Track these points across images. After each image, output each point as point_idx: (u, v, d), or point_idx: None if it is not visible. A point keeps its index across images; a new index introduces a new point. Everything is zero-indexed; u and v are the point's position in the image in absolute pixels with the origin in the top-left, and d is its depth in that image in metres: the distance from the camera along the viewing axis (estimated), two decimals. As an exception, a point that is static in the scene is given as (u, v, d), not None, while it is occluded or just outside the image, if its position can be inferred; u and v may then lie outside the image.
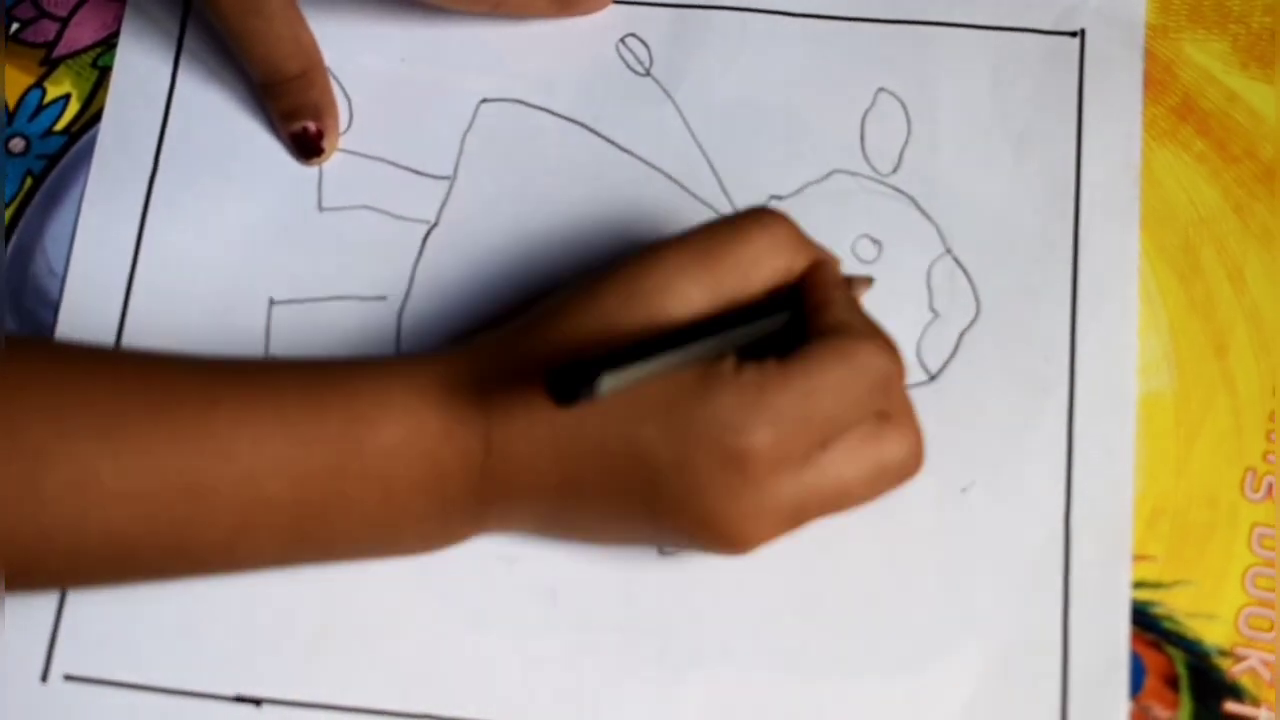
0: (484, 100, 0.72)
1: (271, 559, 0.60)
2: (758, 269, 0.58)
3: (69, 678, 0.64)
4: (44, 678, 0.64)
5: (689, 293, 0.57)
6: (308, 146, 0.70)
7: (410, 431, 0.57)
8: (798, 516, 0.57)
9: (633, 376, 0.53)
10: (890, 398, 0.58)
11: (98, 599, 0.64)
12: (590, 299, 0.58)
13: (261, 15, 0.68)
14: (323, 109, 0.70)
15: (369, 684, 0.64)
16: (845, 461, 0.57)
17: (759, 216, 0.59)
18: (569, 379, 0.51)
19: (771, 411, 0.55)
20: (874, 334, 0.57)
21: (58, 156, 0.72)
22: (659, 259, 0.58)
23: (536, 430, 0.57)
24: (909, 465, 0.58)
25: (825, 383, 0.55)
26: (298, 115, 0.70)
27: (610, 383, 0.52)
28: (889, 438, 0.58)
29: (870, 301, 0.64)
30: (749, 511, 0.56)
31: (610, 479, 0.57)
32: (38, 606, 0.64)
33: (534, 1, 0.71)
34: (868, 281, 0.65)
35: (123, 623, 0.64)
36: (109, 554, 0.56)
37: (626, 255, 0.59)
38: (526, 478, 0.58)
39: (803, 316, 0.58)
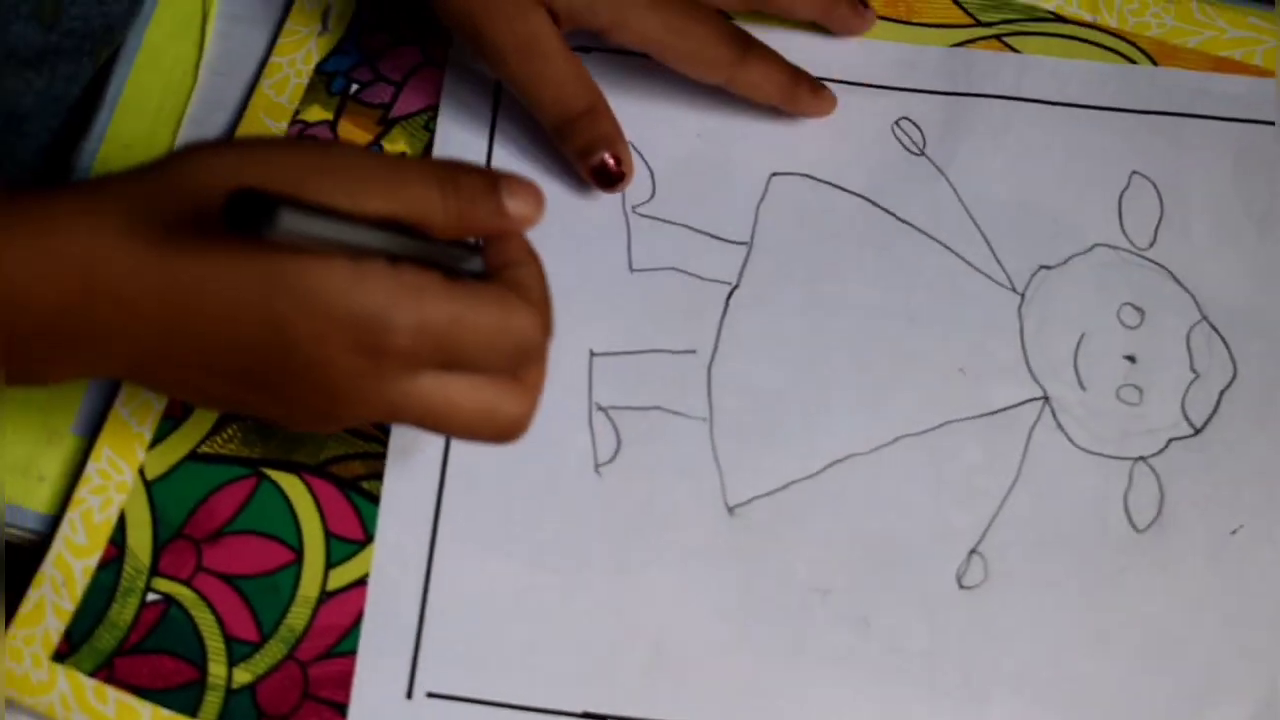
0: (775, 174, 0.78)
1: None
2: (428, 211, 0.59)
3: (431, 695, 0.68)
4: (409, 695, 0.68)
5: (370, 204, 0.57)
6: (608, 176, 0.75)
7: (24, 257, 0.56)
8: (395, 413, 0.59)
9: (315, 228, 0.52)
10: (528, 365, 0.61)
11: (455, 621, 0.69)
12: (257, 148, 0.59)
13: (542, 57, 0.73)
14: (614, 138, 0.75)
15: (699, 702, 0.68)
16: (464, 390, 0.59)
17: (437, 172, 0.60)
18: (251, 205, 0.50)
19: (420, 320, 0.56)
20: (541, 305, 0.60)
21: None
22: (342, 161, 0.59)
23: (146, 276, 0.56)
24: (517, 425, 0.61)
25: (478, 322, 0.57)
26: (593, 149, 0.74)
27: (290, 222, 0.50)
28: (511, 394, 0.60)
29: (1140, 360, 0.73)
30: (365, 394, 0.58)
31: (231, 334, 0.56)
32: (401, 629, 0.69)
33: (762, 86, 0.77)
34: None
35: (478, 644, 0.69)
36: None
37: None
38: (124, 317, 0.56)
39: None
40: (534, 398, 0.62)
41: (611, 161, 0.75)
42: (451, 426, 0.60)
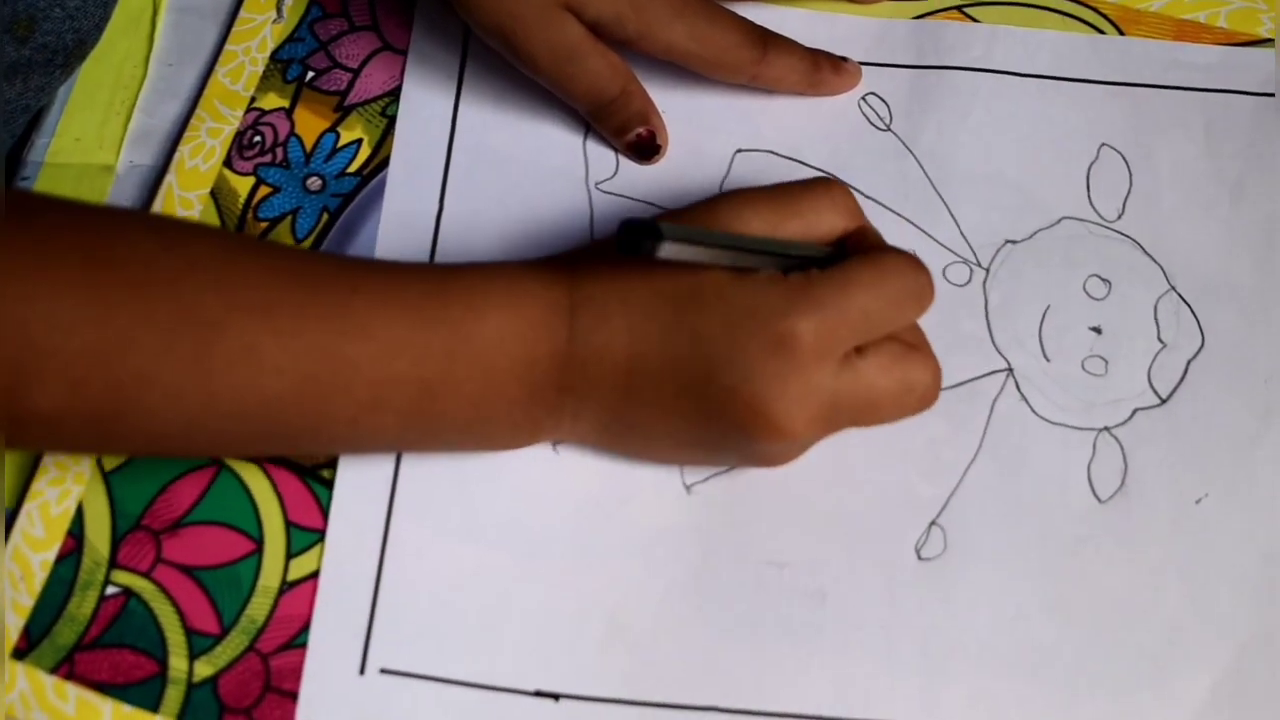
0: (739, 150, 0.78)
1: (389, 438, 0.67)
2: (819, 222, 0.66)
3: (384, 671, 0.68)
4: (361, 670, 0.68)
5: (753, 224, 0.65)
6: (645, 149, 0.78)
7: (509, 319, 0.64)
8: (833, 416, 0.64)
9: (692, 251, 0.61)
10: (915, 327, 0.66)
11: (410, 598, 0.69)
12: (675, 217, 0.67)
13: (573, 60, 0.75)
14: (648, 114, 0.77)
15: (655, 680, 0.68)
16: (877, 372, 0.64)
17: (827, 182, 0.68)
18: (638, 231, 0.59)
19: (814, 301, 0.62)
20: (905, 253, 0.65)
21: (351, 195, 0.77)
22: (739, 196, 0.67)
23: (613, 321, 0.64)
24: (931, 391, 0.66)
25: (861, 279, 0.62)
26: (629, 126, 0.77)
27: (671, 249, 0.59)
28: (916, 361, 0.65)
29: (1106, 331, 0.72)
30: (793, 396, 0.62)
31: (672, 370, 0.64)
32: (355, 607, 0.69)
33: (786, 78, 0.78)
34: None
35: (431, 621, 0.69)
36: (261, 421, 0.63)
37: None
38: (600, 369, 0.65)
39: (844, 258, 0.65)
40: (934, 357, 0.66)
41: (645, 133, 0.77)
42: (880, 412, 0.65)
